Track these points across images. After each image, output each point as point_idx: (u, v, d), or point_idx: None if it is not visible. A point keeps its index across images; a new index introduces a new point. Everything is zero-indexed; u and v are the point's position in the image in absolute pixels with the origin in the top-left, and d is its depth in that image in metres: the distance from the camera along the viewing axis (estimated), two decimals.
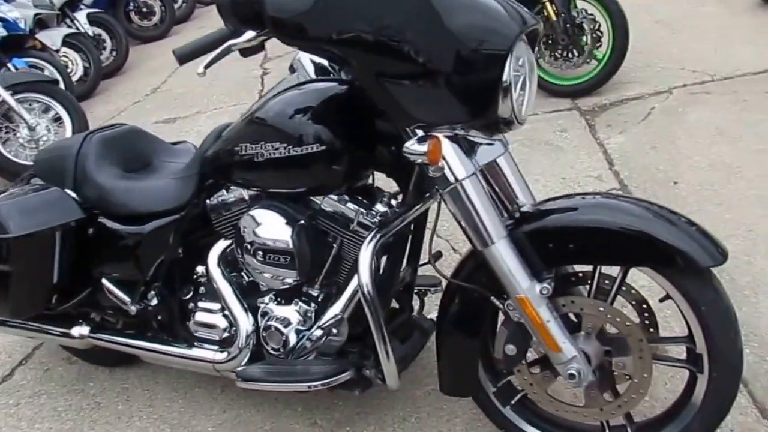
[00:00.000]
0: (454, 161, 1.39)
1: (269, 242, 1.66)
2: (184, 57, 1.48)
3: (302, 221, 1.64)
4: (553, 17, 3.65)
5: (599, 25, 3.70)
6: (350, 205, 1.64)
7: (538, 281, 1.45)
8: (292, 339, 1.73)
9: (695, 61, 4.00)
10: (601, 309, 1.48)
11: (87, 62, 6.06)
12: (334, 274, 1.71)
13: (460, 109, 1.34)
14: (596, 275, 1.50)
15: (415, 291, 1.91)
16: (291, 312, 1.74)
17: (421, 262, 1.82)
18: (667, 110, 3.51)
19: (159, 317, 2.00)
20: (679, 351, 1.59)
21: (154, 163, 2.06)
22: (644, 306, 1.55)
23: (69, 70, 5.74)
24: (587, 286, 1.53)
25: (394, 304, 1.85)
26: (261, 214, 1.67)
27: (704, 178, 2.84)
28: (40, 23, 5.97)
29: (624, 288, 1.52)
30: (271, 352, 1.77)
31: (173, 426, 2.10)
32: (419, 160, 1.39)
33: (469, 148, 1.42)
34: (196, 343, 1.92)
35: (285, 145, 1.55)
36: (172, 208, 1.85)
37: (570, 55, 3.76)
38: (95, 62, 6.09)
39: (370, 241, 1.49)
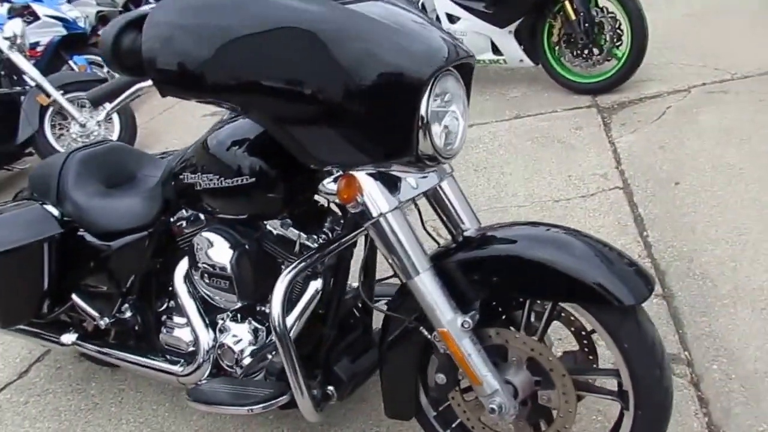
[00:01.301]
0: (373, 197, 1.40)
1: (213, 265, 1.73)
2: (96, 100, 1.51)
3: (246, 245, 1.69)
4: (572, 16, 3.73)
5: (620, 24, 3.75)
6: (292, 229, 1.68)
7: (462, 313, 1.44)
8: (244, 357, 1.78)
9: (718, 57, 4.01)
10: (525, 342, 1.49)
11: None
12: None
13: (371, 150, 1.32)
14: (526, 307, 1.51)
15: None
16: (243, 330, 1.80)
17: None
18: (682, 109, 3.55)
19: (133, 329, 2.10)
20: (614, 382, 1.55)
21: (137, 178, 2.14)
22: (583, 333, 1.56)
23: None
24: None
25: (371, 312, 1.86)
26: (209, 237, 1.74)
27: (706, 180, 2.90)
28: (103, 20, 6.25)
29: (563, 315, 1.53)
30: (226, 369, 1.82)
31: (154, 430, 2.22)
32: (334, 200, 1.44)
33: (392, 183, 1.43)
34: (165, 356, 2.00)
35: (218, 176, 1.60)
36: (140, 226, 1.94)
37: (589, 54, 3.83)
38: None
39: (287, 274, 1.51)
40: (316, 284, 1.69)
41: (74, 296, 2.19)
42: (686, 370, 2.02)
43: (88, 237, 2.07)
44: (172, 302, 2.03)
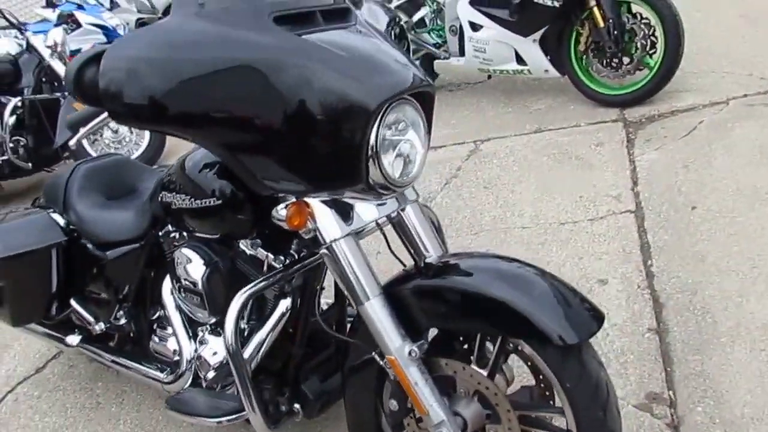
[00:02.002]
0: (325, 224, 1.42)
1: (188, 280, 1.76)
2: (74, 125, 1.55)
3: (218, 263, 1.70)
4: (601, 23, 3.52)
5: (653, 30, 3.51)
6: (261, 249, 1.68)
7: (412, 341, 1.42)
8: (218, 370, 1.79)
9: (766, 65, 3.69)
10: (472, 375, 1.47)
11: None
12: (257, 312, 1.76)
13: (320, 179, 1.33)
14: (478, 340, 1.48)
15: None
16: (219, 344, 1.80)
17: None
18: (716, 125, 3.29)
19: (128, 335, 2.15)
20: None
21: (137, 191, 2.19)
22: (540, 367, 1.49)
23: None
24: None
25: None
26: (186, 253, 1.76)
27: (726, 204, 2.66)
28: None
29: (520, 349, 1.47)
30: (204, 380, 1.84)
31: None
32: (284, 226, 1.43)
33: (346, 210, 1.44)
34: (153, 363, 2.05)
35: (190, 197, 1.65)
36: (133, 238, 2.00)
37: (619, 63, 3.61)
38: None
39: (243, 293, 1.51)
40: (285, 303, 1.69)
41: (73, 301, 2.26)
42: (667, 411, 1.87)
43: (89, 245, 2.15)
44: (162, 312, 2.06)
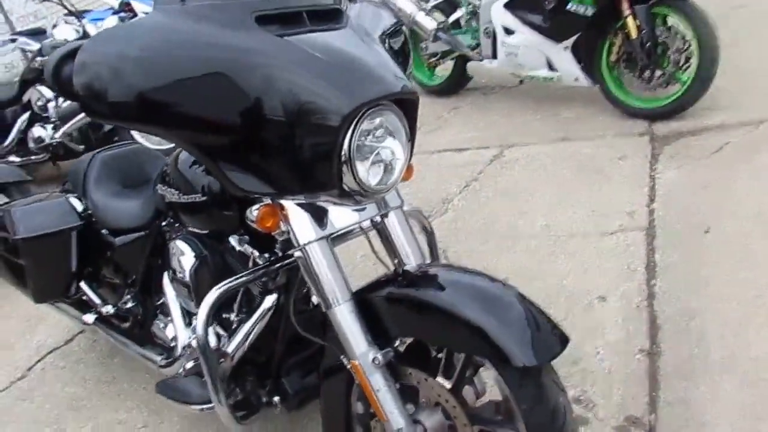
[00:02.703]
0: (299, 227, 1.43)
1: (179, 271, 1.84)
2: (64, 117, 1.61)
3: (206, 256, 1.77)
4: (634, 34, 3.45)
5: (689, 45, 3.43)
6: (247, 246, 1.70)
7: (379, 348, 1.43)
8: None
9: None
10: (433, 387, 1.48)
11: None
12: (246, 306, 1.79)
13: (293, 183, 1.34)
14: (445, 353, 1.48)
15: None
16: (210, 333, 1.82)
17: None
18: (743, 146, 3.20)
19: (135, 318, 2.24)
20: None
21: (152, 180, 2.22)
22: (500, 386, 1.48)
23: None
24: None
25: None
26: (178, 244, 1.84)
27: (741, 229, 2.60)
28: None
29: (485, 365, 1.45)
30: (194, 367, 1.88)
31: (150, 412, 2.34)
32: (256, 227, 1.45)
33: (321, 214, 1.45)
34: (154, 346, 2.13)
35: (179, 192, 1.70)
36: (139, 226, 2.08)
37: (651, 76, 3.54)
38: None
39: (217, 289, 1.54)
40: (270, 299, 1.71)
41: (82, 283, 2.39)
42: None
43: (103, 231, 2.24)
44: (164, 299, 2.10)
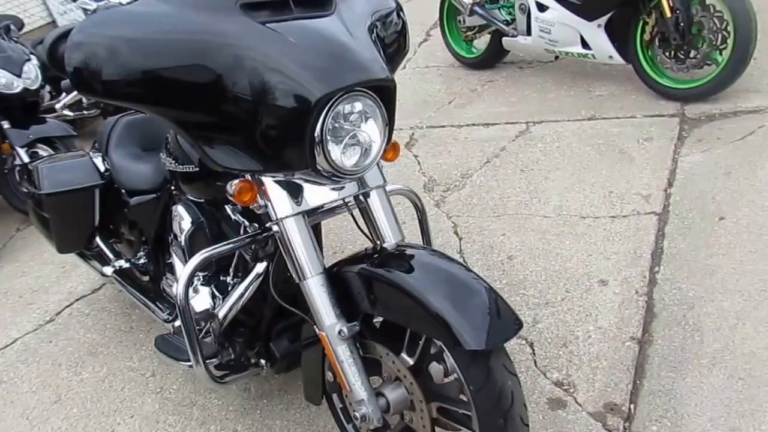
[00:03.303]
0: (276, 202, 1.49)
1: (177, 234, 1.92)
2: (67, 88, 1.69)
3: (202, 222, 1.85)
4: (668, 13, 3.33)
5: (726, 25, 3.29)
6: (238, 215, 1.77)
7: (346, 322, 1.50)
8: (200, 318, 1.89)
9: None
10: (393, 362, 1.53)
11: None
12: (242, 271, 1.86)
13: (266, 161, 1.42)
14: (408, 332, 1.52)
15: None
16: (206, 294, 1.93)
17: None
18: None
19: (146, 273, 2.36)
20: None
21: None
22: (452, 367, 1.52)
23: None
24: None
25: None
26: (179, 209, 1.92)
27: (756, 219, 2.53)
28: None
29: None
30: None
31: (160, 362, 2.46)
32: (234, 201, 1.51)
33: (298, 190, 1.51)
34: (161, 302, 2.25)
35: (175, 161, 1.78)
36: (151, 189, 2.16)
37: (684, 56, 3.42)
38: None
39: (199, 255, 1.60)
40: (261, 266, 1.77)
41: (97, 238, 2.51)
42: (621, 424, 1.87)
43: (122, 190, 2.35)
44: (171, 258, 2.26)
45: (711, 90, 3.39)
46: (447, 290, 1.39)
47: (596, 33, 3.64)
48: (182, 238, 1.89)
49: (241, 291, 1.79)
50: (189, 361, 1.85)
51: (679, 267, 2.38)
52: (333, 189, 1.57)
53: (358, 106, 1.41)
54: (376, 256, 1.57)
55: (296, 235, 1.51)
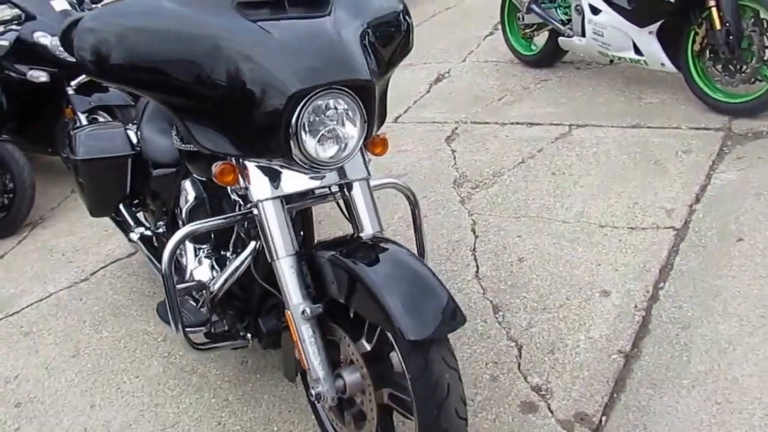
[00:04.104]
0: (255, 185, 1.62)
1: (182, 209, 2.08)
2: None
3: (204, 199, 2.00)
4: (717, 25, 3.22)
5: None
6: (236, 195, 1.85)
7: (312, 303, 1.61)
8: (197, 288, 2.04)
9: None
10: (349, 346, 1.64)
11: None
12: (242, 248, 1.96)
13: (245, 147, 1.58)
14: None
15: None
16: (206, 266, 2.09)
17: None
18: None
19: (163, 241, 2.50)
20: None
21: None
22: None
23: None
24: None
25: None
26: (185, 184, 2.09)
27: None
28: None
29: None
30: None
31: (167, 330, 2.58)
32: (216, 181, 1.65)
33: (277, 176, 1.63)
34: (177, 271, 2.40)
35: (179, 140, 1.92)
36: (172, 163, 2.31)
37: (734, 70, 3.31)
38: None
39: (184, 229, 1.75)
40: (253, 244, 1.88)
41: (120, 206, 2.71)
42: None
43: (148, 162, 2.53)
44: None
45: (761, 106, 3.28)
46: (401, 285, 1.50)
47: (648, 39, 3.57)
48: (183, 211, 2.06)
49: (234, 266, 1.91)
50: (184, 325, 2.02)
51: (684, 285, 2.36)
52: (313, 178, 1.68)
53: (336, 103, 1.54)
54: (350, 244, 1.67)
55: (273, 218, 1.64)
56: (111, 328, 2.75)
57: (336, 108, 1.55)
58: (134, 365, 2.52)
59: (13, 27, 3.80)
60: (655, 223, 2.73)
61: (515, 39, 4.74)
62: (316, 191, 1.78)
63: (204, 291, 2.01)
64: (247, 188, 1.65)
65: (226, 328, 2.08)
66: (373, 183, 1.97)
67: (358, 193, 1.73)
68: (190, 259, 2.20)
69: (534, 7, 4.29)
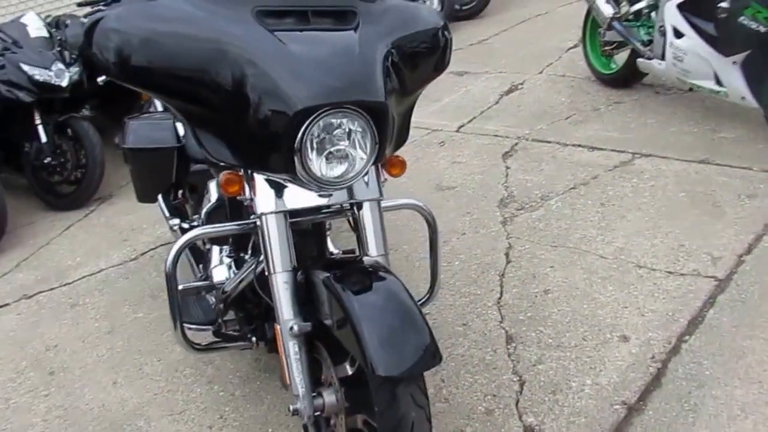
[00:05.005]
0: (260, 197, 1.62)
1: (203, 207, 2.16)
2: None
3: (223, 202, 2.04)
4: None
5: None
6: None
7: (302, 320, 1.61)
8: (216, 286, 2.10)
9: None
10: (328, 368, 1.65)
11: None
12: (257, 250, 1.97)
13: (251, 160, 1.58)
14: None
15: None
16: (226, 265, 2.14)
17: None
18: None
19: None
20: None
21: None
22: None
23: None
24: None
25: None
26: (210, 186, 2.17)
27: None
28: None
29: None
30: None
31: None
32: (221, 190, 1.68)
33: (283, 190, 1.62)
34: (203, 261, 2.47)
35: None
36: (202, 160, 2.34)
37: None
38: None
39: (185, 237, 1.77)
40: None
41: (159, 197, 2.82)
42: None
43: (189, 155, 2.62)
44: None
45: None
46: (383, 319, 1.47)
47: (731, 70, 3.36)
48: (203, 212, 2.12)
49: (244, 270, 1.95)
50: (191, 322, 2.09)
51: (710, 341, 2.23)
52: (321, 195, 1.66)
53: (346, 122, 1.51)
54: (347, 267, 1.66)
55: (274, 232, 1.63)
56: (147, 309, 2.89)
57: (346, 128, 1.52)
58: (159, 349, 2.64)
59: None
60: (697, 270, 2.58)
61: (594, 56, 4.58)
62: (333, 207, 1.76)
63: (215, 291, 2.09)
64: (252, 199, 1.66)
65: (237, 328, 2.13)
66: (392, 203, 1.96)
67: (367, 214, 1.72)
68: (214, 258, 2.27)
69: (615, 24, 4.12)
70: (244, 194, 1.67)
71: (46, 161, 4.01)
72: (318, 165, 1.54)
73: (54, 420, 2.38)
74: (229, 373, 2.45)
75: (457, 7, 7.12)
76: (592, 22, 4.51)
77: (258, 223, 1.67)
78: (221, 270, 2.17)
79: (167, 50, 1.52)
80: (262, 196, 1.64)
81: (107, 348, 2.70)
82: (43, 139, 3.96)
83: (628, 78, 4.37)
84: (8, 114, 3.99)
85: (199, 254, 2.65)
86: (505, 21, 6.83)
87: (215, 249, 2.27)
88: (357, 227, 1.75)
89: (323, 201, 1.68)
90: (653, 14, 3.95)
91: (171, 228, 2.79)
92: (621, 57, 4.42)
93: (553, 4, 6.81)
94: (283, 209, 1.64)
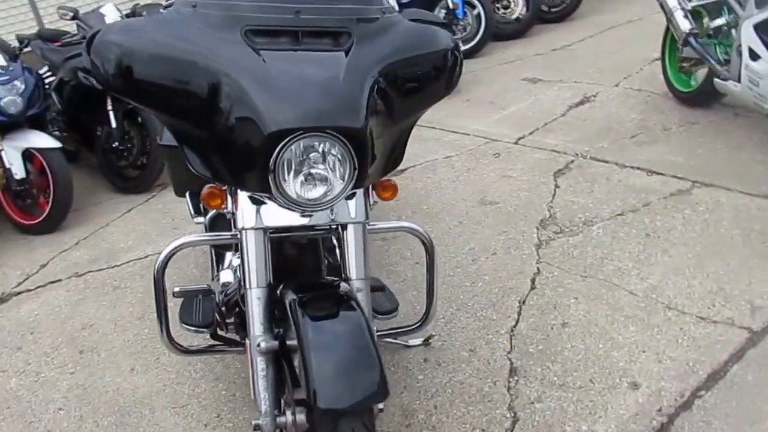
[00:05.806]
0: (242, 212, 1.65)
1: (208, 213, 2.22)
2: None
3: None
4: None
5: None
6: None
7: (272, 338, 1.63)
8: (221, 290, 2.16)
9: None
10: (288, 390, 1.64)
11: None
12: None
13: (229, 177, 1.62)
14: None
15: None
16: (230, 272, 2.14)
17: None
18: None
19: None
20: None
21: None
22: None
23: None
24: None
25: None
26: None
27: None
28: None
29: None
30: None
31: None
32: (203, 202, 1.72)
33: (265, 208, 1.64)
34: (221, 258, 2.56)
35: None
36: None
37: None
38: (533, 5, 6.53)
39: (172, 244, 1.81)
40: None
41: (186, 194, 2.89)
42: None
43: None
44: None
45: None
46: (335, 351, 1.46)
47: None
48: (206, 217, 2.16)
49: (240, 278, 1.93)
50: (184, 323, 2.12)
51: (727, 399, 2.07)
52: (302, 215, 1.67)
53: (321, 146, 1.50)
54: (318, 291, 1.64)
55: (252, 248, 1.65)
56: (178, 299, 2.97)
57: (323, 152, 1.52)
58: (179, 340, 2.72)
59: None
60: (732, 319, 2.40)
61: (673, 72, 4.32)
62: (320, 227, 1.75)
63: (212, 295, 2.14)
64: (234, 213, 1.69)
65: (236, 332, 2.17)
66: (385, 225, 1.95)
67: (350, 237, 1.71)
68: (225, 261, 2.32)
69: (691, 40, 3.86)
70: (227, 207, 1.71)
71: (114, 145, 4.21)
72: (293, 186, 1.54)
73: (73, 398, 2.50)
74: (235, 372, 2.50)
75: (545, 8, 6.92)
76: (671, 36, 4.25)
77: (237, 236, 1.69)
78: (227, 274, 2.22)
79: (153, 67, 1.57)
80: (244, 211, 1.66)
81: (134, 333, 2.81)
82: (113, 124, 4.16)
83: (707, 97, 4.09)
84: (85, 100, 4.23)
85: (220, 256, 2.74)
86: (593, 26, 6.57)
87: (228, 253, 2.33)
88: (340, 248, 1.75)
89: (304, 221, 1.68)
90: (733, 32, 3.67)
91: (196, 222, 2.86)
92: (701, 74, 4.15)
93: (648, 10, 6.40)
94: (262, 226, 1.66)
